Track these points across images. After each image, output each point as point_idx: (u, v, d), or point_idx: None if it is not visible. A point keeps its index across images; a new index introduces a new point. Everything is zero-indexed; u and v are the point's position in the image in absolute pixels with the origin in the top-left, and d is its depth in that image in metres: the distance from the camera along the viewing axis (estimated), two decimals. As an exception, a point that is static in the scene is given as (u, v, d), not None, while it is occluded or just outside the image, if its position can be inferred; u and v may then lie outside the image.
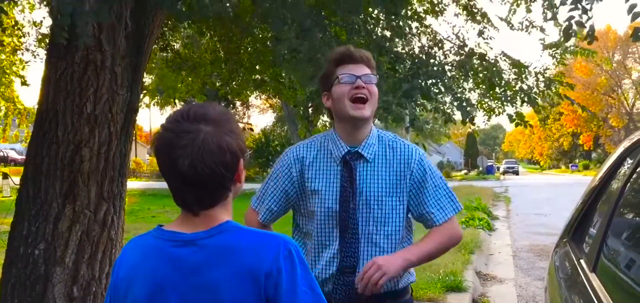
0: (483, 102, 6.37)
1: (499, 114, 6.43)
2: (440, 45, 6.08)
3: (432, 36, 6.22)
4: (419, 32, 6.17)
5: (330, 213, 2.27)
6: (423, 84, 5.20)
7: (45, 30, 8.44)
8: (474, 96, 6.26)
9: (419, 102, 5.48)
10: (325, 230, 2.29)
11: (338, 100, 2.25)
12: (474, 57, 5.85)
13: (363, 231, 2.25)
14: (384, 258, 2.16)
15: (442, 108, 5.75)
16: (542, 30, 6.22)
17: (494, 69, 5.69)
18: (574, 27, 3.95)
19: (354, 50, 2.30)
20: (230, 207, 1.45)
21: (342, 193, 2.25)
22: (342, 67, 2.27)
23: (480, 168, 63.48)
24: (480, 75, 5.77)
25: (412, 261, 2.23)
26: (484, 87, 5.90)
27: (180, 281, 1.36)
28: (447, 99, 5.82)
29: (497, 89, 5.76)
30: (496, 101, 6.16)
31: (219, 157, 1.34)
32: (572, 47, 6.69)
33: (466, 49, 5.97)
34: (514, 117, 5.81)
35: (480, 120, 6.73)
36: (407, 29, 5.81)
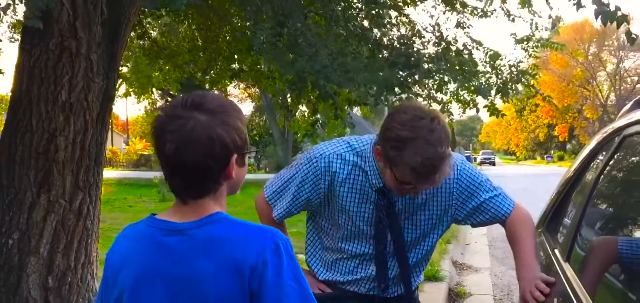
0: (459, 95, 6.44)
1: (474, 106, 6.52)
2: (418, 34, 6.12)
3: (410, 26, 6.25)
4: (398, 21, 6.19)
5: (361, 233, 2.19)
6: (401, 74, 5.25)
7: (19, 16, 8.28)
8: (451, 87, 6.35)
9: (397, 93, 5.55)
10: (352, 244, 2.23)
11: (387, 180, 2.05)
12: (451, 51, 5.92)
13: (395, 252, 2.22)
14: (535, 282, 2.04)
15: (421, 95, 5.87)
16: (513, 20, 6.32)
17: (470, 59, 5.78)
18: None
19: (436, 169, 1.91)
20: (223, 200, 1.44)
21: (376, 222, 2.16)
22: (412, 174, 1.93)
23: (458, 159, 63.96)
24: (457, 67, 5.84)
25: (539, 269, 2.15)
26: (461, 77, 5.98)
27: (167, 270, 1.35)
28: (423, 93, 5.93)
29: (473, 80, 5.85)
30: (471, 94, 6.26)
31: (206, 148, 1.32)
32: (544, 40, 6.85)
33: (443, 42, 6.03)
34: (489, 105, 5.99)
35: (456, 112, 6.85)
36: (386, 18, 5.82)
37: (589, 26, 54.66)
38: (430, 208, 2.20)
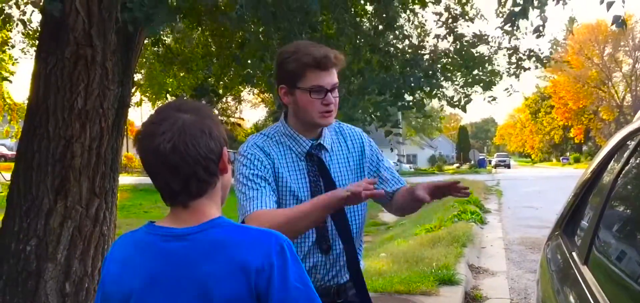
0: (466, 90, 6.53)
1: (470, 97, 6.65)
2: (427, 38, 6.20)
3: (421, 28, 6.30)
4: (412, 23, 6.22)
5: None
6: (416, 79, 5.28)
7: (35, 25, 8.36)
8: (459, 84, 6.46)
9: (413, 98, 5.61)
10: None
11: (303, 108, 2.15)
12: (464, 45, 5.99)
13: (335, 217, 2.25)
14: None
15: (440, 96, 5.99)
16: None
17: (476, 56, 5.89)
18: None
19: (330, 55, 2.10)
20: (219, 201, 1.45)
21: (312, 188, 2.22)
22: (312, 72, 2.09)
23: (472, 162, 63.72)
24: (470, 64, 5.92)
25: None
26: (469, 70, 6.08)
27: (172, 274, 1.35)
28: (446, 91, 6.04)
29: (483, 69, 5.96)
30: (473, 84, 6.38)
31: (200, 139, 1.36)
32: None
33: (456, 34, 6.09)
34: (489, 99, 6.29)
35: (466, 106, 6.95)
36: (399, 20, 5.85)
37: (604, 27, 54.23)
38: (351, 162, 2.32)
